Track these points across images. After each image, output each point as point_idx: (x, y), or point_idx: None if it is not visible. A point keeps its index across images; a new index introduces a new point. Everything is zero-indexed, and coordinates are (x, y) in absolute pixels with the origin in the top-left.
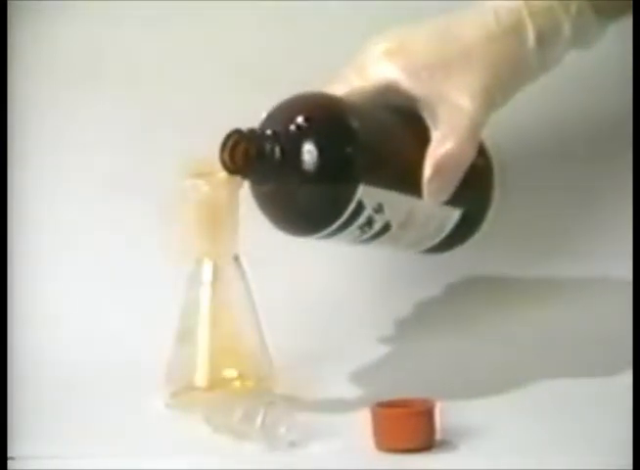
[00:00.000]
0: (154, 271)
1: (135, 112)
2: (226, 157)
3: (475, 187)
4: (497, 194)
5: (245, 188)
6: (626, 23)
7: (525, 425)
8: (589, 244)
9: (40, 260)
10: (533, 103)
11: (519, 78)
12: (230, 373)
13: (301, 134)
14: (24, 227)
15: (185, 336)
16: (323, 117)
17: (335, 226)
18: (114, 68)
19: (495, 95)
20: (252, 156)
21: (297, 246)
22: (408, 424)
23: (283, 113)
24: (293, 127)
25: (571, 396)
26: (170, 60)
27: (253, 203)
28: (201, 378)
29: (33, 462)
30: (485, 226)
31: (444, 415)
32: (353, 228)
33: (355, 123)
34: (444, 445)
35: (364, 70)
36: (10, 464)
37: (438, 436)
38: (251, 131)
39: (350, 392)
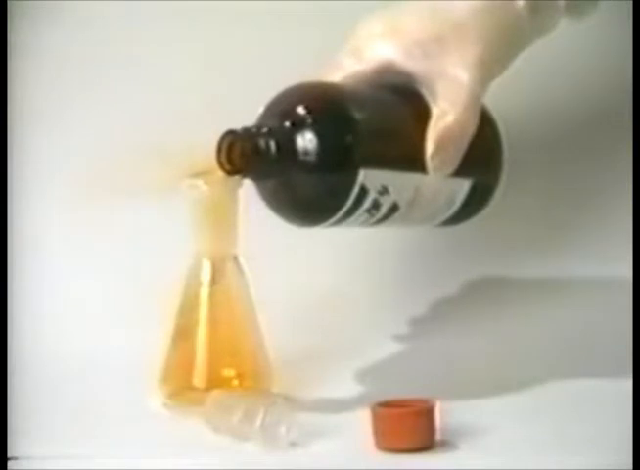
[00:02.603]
0: (152, 270)
1: (135, 111)
2: (223, 158)
3: (482, 156)
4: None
5: (244, 187)
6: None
7: (525, 425)
8: (589, 244)
9: (39, 261)
10: (532, 101)
11: (513, 47)
12: (228, 373)
13: (295, 126)
14: (24, 228)
15: (183, 335)
16: (316, 106)
17: (341, 214)
18: (114, 68)
19: (491, 65)
20: (249, 154)
21: (297, 245)
22: (408, 424)
23: (277, 106)
24: (286, 120)
25: (571, 395)
26: (170, 59)
27: (252, 202)
28: (199, 378)
29: (33, 462)
30: (498, 196)
31: (444, 415)
32: (360, 213)
33: (350, 109)
34: (444, 444)
35: (359, 52)
36: (10, 464)
37: (438, 436)
38: (245, 130)
39: (350, 392)
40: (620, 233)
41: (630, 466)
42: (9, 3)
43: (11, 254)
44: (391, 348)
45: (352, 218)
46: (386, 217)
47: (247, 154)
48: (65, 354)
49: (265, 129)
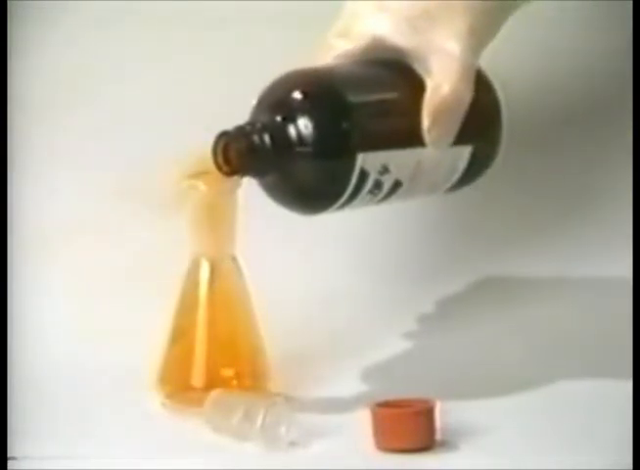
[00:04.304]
0: (151, 270)
1: (135, 112)
2: (220, 160)
3: (481, 121)
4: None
5: (242, 187)
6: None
7: (525, 425)
8: (589, 243)
9: (39, 263)
10: (532, 102)
11: (501, 13)
12: (227, 373)
13: (288, 118)
14: (24, 229)
15: (181, 335)
16: (308, 95)
17: (343, 199)
18: (114, 68)
19: (481, 33)
20: (245, 153)
21: (297, 244)
22: (408, 424)
23: (269, 97)
24: (279, 112)
25: (571, 395)
26: (170, 59)
27: (251, 202)
28: (197, 378)
29: (33, 462)
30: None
31: (444, 415)
32: (363, 195)
33: (343, 95)
34: (444, 445)
35: (349, 32)
36: (10, 464)
37: (438, 436)
38: (239, 128)
39: (351, 391)
40: (619, 233)
41: (630, 466)
42: (9, 3)
43: (11, 256)
44: (391, 348)
45: (356, 201)
46: (389, 195)
47: (243, 153)
48: (65, 355)
49: (259, 125)
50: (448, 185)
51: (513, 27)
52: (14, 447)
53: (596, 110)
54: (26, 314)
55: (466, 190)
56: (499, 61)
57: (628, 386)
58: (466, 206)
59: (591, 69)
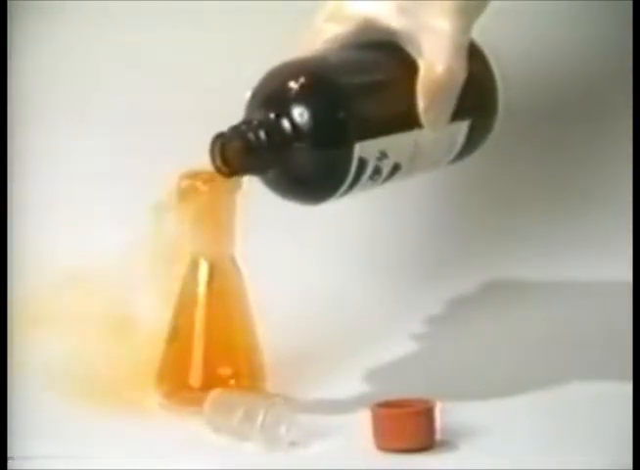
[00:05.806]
0: (149, 269)
1: (134, 112)
2: (219, 162)
3: (477, 95)
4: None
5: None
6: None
7: (525, 425)
8: (590, 246)
9: (39, 260)
10: (532, 102)
11: None
12: (224, 372)
13: (283, 113)
14: (24, 228)
15: (179, 335)
16: (302, 88)
17: (344, 188)
18: (114, 68)
19: (470, 10)
20: (243, 152)
21: (299, 243)
22: (408, 424)
23: (263, 92)
24: (274, 107)
25: (571, 395)
26: (170, 59)
27: (250, 202)
28: (195, 377)
29: (33, 462)
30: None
31: (444, 415)
32: (363, 182)
33: (338, 86)
34: (444, 445)
35: (338, 15)
36: (10, 464)
37: (438, 436)
38: (234, 128)
39: (351, 392)
40: (619, 233)
41: (630, 466)
42: (9, 3)
43: (11, 253)
44: (391, 348)
45: (357, 188)
46: (389, 177)
47: (240, 153)
48: (64, 354)
49: (254, 122)
50: (447, 160)
51: (512, 18)
52: (14, 447)
53: (596, 109)
54: (27, 314)
55: (471, 193)
56: (495, 44)
57: (628, 386)
58: (469, 209)
59: (590, 64)
